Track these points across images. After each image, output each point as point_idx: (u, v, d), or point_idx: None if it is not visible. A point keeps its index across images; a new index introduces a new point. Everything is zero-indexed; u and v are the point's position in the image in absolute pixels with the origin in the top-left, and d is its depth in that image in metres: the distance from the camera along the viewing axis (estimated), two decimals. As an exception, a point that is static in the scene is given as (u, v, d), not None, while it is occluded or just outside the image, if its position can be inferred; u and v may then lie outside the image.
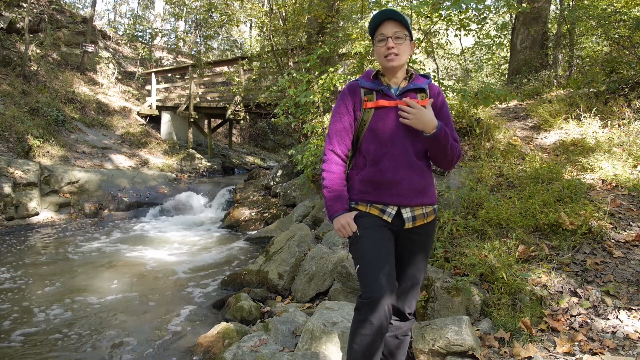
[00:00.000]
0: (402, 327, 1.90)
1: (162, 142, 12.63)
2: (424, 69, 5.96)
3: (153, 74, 13.76)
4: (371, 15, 1.96)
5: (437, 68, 12.62)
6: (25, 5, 12.25)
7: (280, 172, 8.34)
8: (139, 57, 17.21)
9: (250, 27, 22.39)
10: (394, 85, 1.80)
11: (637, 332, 2.31)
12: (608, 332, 2.36)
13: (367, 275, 1.67)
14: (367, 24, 1.86)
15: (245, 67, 11.03)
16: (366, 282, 1.67)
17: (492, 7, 9.92)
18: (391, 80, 1.80)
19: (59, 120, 10.34)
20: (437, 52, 10.13)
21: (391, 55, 1.72)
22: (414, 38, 1.86)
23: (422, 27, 6.40)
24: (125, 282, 4.53)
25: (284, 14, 8.61)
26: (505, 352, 2.32)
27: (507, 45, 11.31)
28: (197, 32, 22.30)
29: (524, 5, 7.82)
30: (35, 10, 13.31)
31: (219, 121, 14.25)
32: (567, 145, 4.66)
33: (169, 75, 16.35)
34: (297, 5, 8.27)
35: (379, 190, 1.75)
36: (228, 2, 10.63)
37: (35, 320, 3.56)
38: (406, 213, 1.76)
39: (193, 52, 20.90)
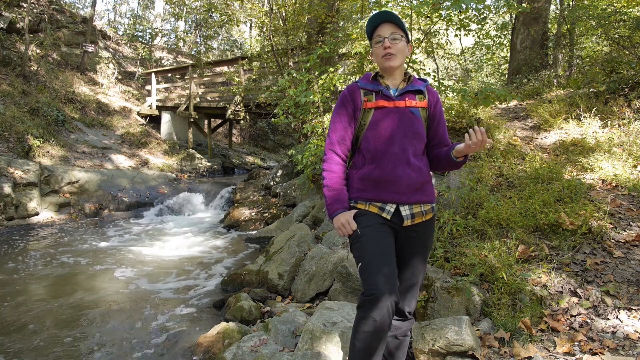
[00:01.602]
0: (402, 327, 1.91)
1: (162, 142, 12.63)
2: (424, 69, 5.96)
3: (153, 74, 13.75)
4: (371, 15, 1.98)
5: (437, 68, 12.60)
6: (25, 5, 12.24)
7: (280, 172, 8.34)
8: (139, 57, 17.20)
9: (250, 27, 22.39)
10: (393, 86, 1.85)
11: (637, 332, 2.31)
12: (608, 332, 2.36)
13: (369, 273, 1.69)
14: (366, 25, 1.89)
15: (245, 67, 11.03)
16: (368, 279, 1.68)
17: (492, 7, 9.92)
18: (390, 81, 1.86)
19: (59, 120, 10.34)
20: (437, 52, 10.12)
21: (389, 55, 1.78)
22: (414, 38, 1.92)
23: (422, 27, 6.39)
24: (124, 282, 4.53)
25: (284, 14, 8.61)
26: (505, 352, 2.32)
27: (507, 45, 11.32)
28: (197, 32, 22.31)
29: (524, 5, 7.83)
30: (35, 10, 13.31)
31: (219, 121, 14.25)
32: (567, 145, 4.66)
33: (169, 75, 16.35)
34: (297, 5, 8.27)
35: (378, 188, 1.78)
36: (228, 2, 10.64)
37: (33, 320, 3.56)
38: (404, 211, 1.78)
39: (193, 52, 20.89)
